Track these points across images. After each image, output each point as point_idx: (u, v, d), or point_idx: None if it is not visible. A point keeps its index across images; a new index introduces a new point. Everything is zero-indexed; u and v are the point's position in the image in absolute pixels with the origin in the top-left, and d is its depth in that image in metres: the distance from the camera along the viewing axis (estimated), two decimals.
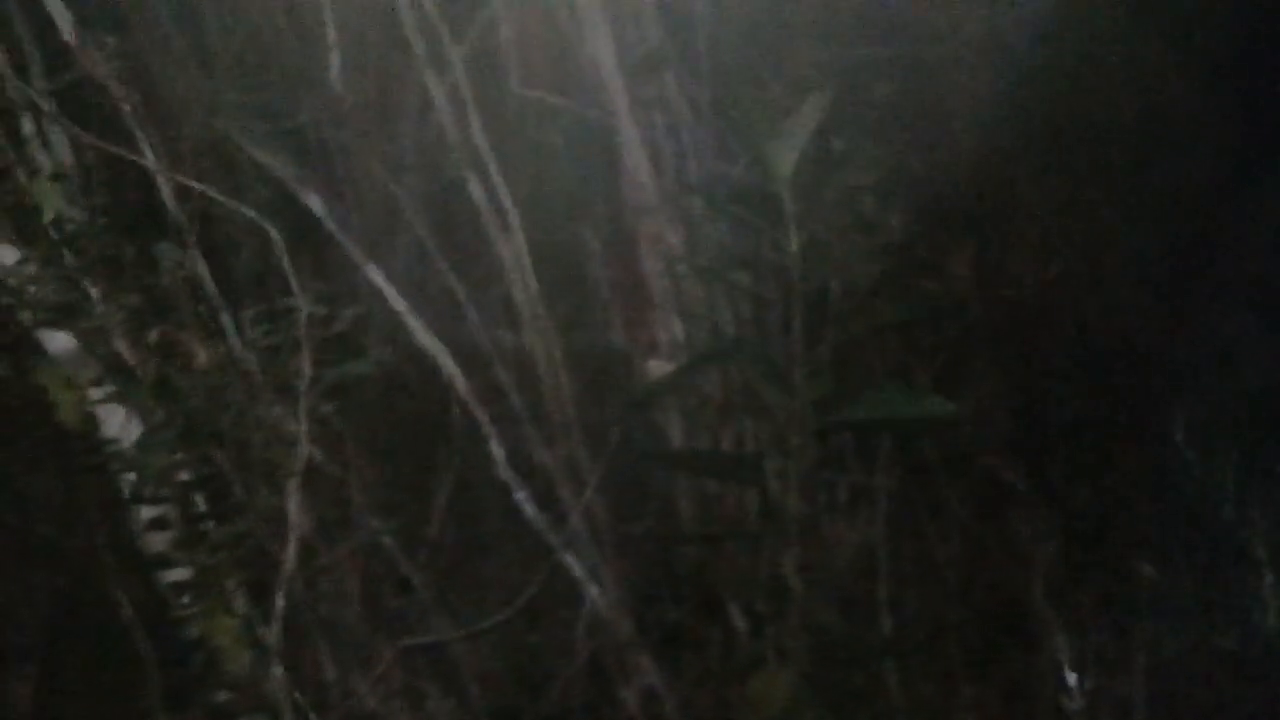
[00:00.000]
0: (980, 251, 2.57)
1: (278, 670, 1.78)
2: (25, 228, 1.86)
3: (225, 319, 1.95)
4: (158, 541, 1.86)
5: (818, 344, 1.99)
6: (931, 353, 2.40)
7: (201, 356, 1.85)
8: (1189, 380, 2.52)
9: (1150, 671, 1.95)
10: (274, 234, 1.85)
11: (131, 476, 1.85)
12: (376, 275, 2.00)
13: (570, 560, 2.02)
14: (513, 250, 2.11)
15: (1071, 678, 1.92)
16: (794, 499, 2.00)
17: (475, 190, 2.10)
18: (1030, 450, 2.46)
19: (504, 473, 2.00)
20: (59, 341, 1.87)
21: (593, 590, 2.04)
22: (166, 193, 1.93)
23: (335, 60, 2.22)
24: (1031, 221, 2.66)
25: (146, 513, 1.86)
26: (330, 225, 2.01)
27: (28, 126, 1.93)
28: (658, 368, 2.09)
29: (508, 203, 2.10)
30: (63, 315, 1.84)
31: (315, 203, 2.02)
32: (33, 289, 1.82)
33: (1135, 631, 2.13)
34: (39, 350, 1.87)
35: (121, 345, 1.85)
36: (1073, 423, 2.53)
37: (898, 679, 2.21)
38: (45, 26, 1.93)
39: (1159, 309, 2.65)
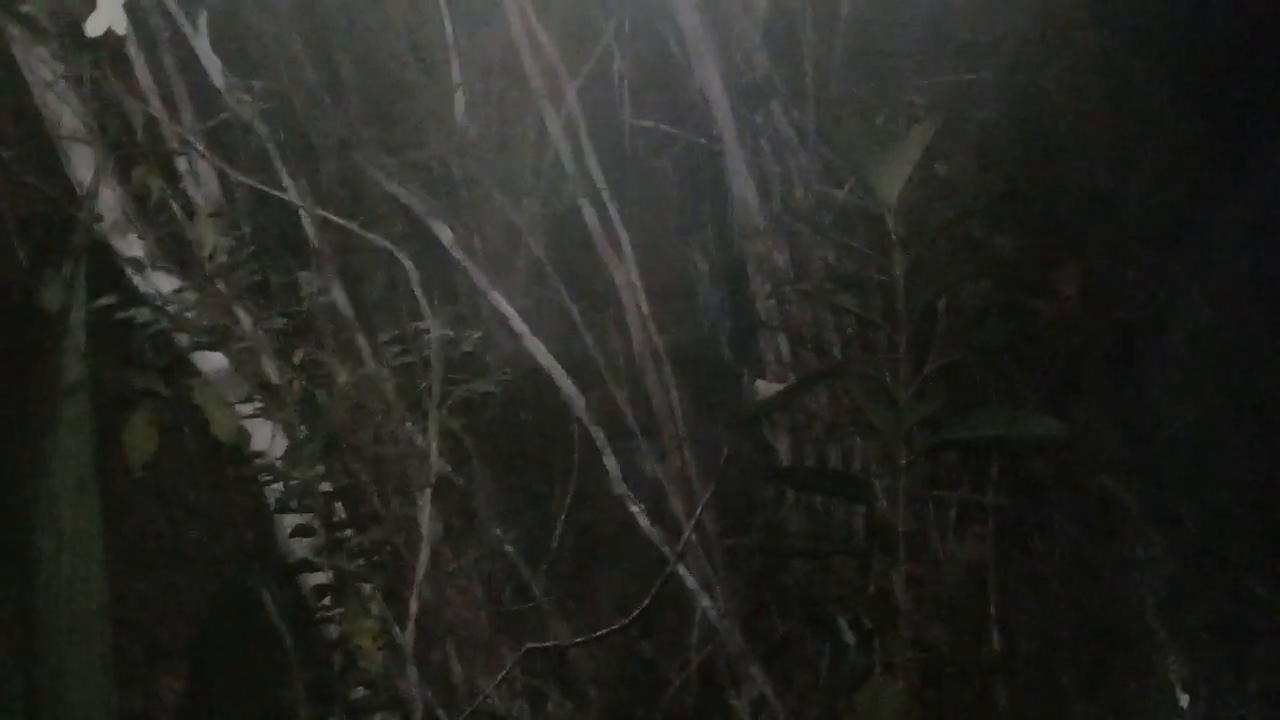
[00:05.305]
0: (1089, 272, 2.56)
1: (411, 669, 1.87)
2: (181, 258, 1.97)
3: (362, 341, 2.05)
4: (301, 548, 1.95)
5: (925, 364, 2.01)
6: (1042, 372, 2.39)
7: (342, 376, 1.95)
8: None
9: (1266, 694, 1.91)
10: (407, 263, 1.95)
11: (278, 487, 1.94)
12: (499, 299, 2.08)
13: (683, 572, 2.07)
14: (625, 273, 2.18)
15: (1184, 699, 1.90)
16: (902, 516, 2.02)
17: (590, 216, 2.18)
18: (1142, 469, 2.44)
19: (618, 487, 2.07)
20: (212, 362, 1.97)
21: (704, 601, 2.08)
22: (308, 224, 2.06)
23: (460, 97, 2.35)
24: (1142, 241, 2.64)
25: (291, 521, 1.95)
26: (457, 254, 2.10)
27: (182, 165, 2.06)
28: (766, 387, 2.13)
29: (621, 228, 2.18)
30: (216, 338, 1.93)
31: (444, 233, 2.10)
32: (189, 314, 1.92)
33: (1250, 653, 2.10)
34: (194, 371, 1.98)
35: (269, 366, 1.94)
36: (1184, 442, 2.49)
37: (1007, 695, 2.20)
38: (196, 72, 2.07)
39: (1273, 327, 2.60)
